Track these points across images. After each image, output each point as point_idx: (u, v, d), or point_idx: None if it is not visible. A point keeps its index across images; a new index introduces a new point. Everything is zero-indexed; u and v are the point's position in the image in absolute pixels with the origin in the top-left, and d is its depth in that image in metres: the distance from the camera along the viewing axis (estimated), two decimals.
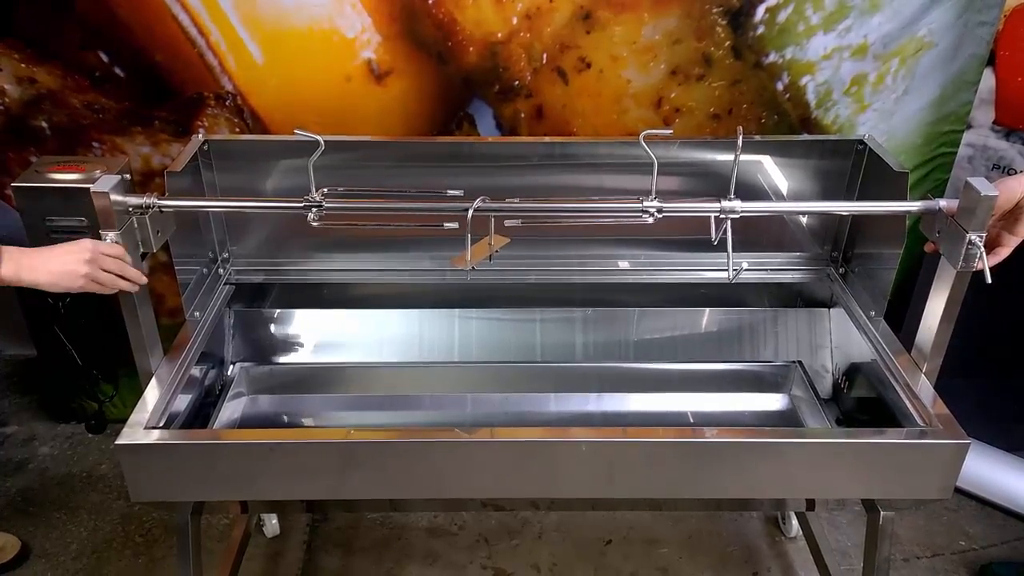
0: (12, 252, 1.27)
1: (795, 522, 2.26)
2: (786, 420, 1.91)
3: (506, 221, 1.55)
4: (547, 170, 1.88)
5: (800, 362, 1.95)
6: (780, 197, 1.89)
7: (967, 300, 1.49)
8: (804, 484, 1.51)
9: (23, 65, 2.06)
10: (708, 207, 1.51)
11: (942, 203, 1.47)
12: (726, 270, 1.51)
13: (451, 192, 1.53)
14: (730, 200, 1.49)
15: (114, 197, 1.37)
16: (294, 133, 1.46)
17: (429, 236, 1.87)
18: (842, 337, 1.91)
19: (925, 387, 1.54)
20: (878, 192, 1.72)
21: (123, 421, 1.41)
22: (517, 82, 2.11)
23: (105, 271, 1.34)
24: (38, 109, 2.12)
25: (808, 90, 2.13)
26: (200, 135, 1.78)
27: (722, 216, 1.50)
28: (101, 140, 2.16)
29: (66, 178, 1.38)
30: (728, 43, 2.06)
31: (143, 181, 2.18)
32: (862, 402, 1.79)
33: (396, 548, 2.25)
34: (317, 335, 2.05)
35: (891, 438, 1.46)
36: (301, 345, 2.04)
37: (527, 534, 2.29)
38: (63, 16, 2.00)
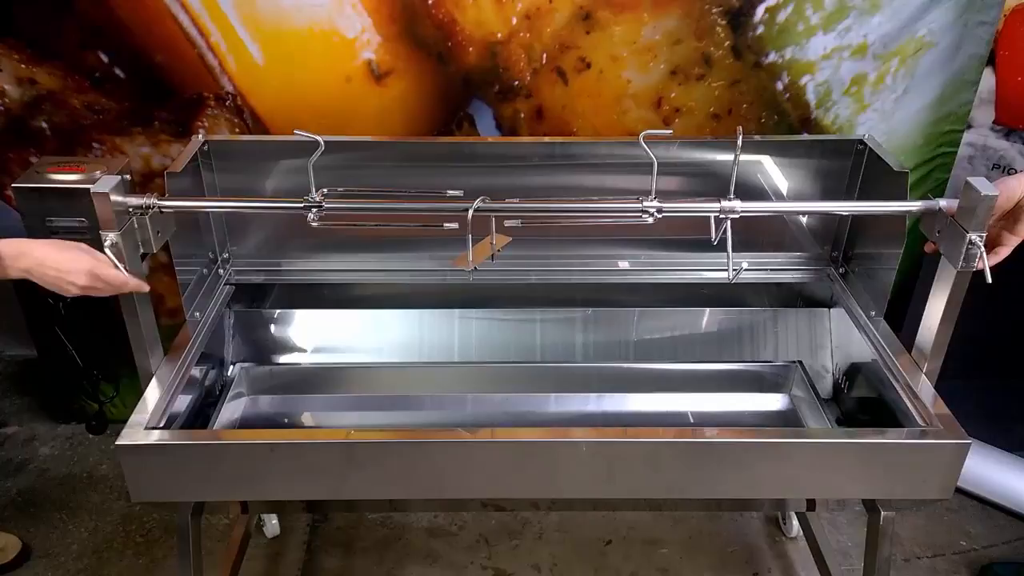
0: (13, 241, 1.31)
1: (795, 522, 2.26)
2: (786, 420, 1.90)
3: (506, 221, 1.55)
4: (547, 170, 1.88)
5: (800, 362, 1.95)
6: (780, 197, 1.89)
7: (967, 300, 1.49)
8: (804, 484, 1.51)
9: (23, 66, 2.06)
10: (708, 207, 1.51)
11: (942, 203, 1.47)
12: (726, 270, 1.51)
13: (451, 192, 1.53)
14: (730, 200, 1.49)
15: (114, 198, 1.37)
16: (294, 133, 1.46)
17: (429, 236, 1.87)
18: (842, 337, 1.91)
19: (925, 387, 1.54)
20: (878, 192, 1.72)
21: (124, 422, 1.41)
22: (517, 82, 2.11)
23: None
24: (38, 110, 2.12)
25: (808, 90, 2.13)
26: (200, 135, 1.78)
27: (722, 216, 1.50)
28: (101, 140, 2.16)
29: (66, 179, 1.38)
30: (728, 43, 2.06)
31: (143, 182, 2.18)
32: (862, 402, 1.79)
33: (396, 548, 2.25)
34: (317, 335, 2.05)
35: (892, 438, 1.45)
36: (301, 345, 2.04)
37: (527, 534, 2.29)
38: (63, 16, 2.00)
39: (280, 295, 2.05)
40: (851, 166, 1.83)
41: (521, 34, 2.04)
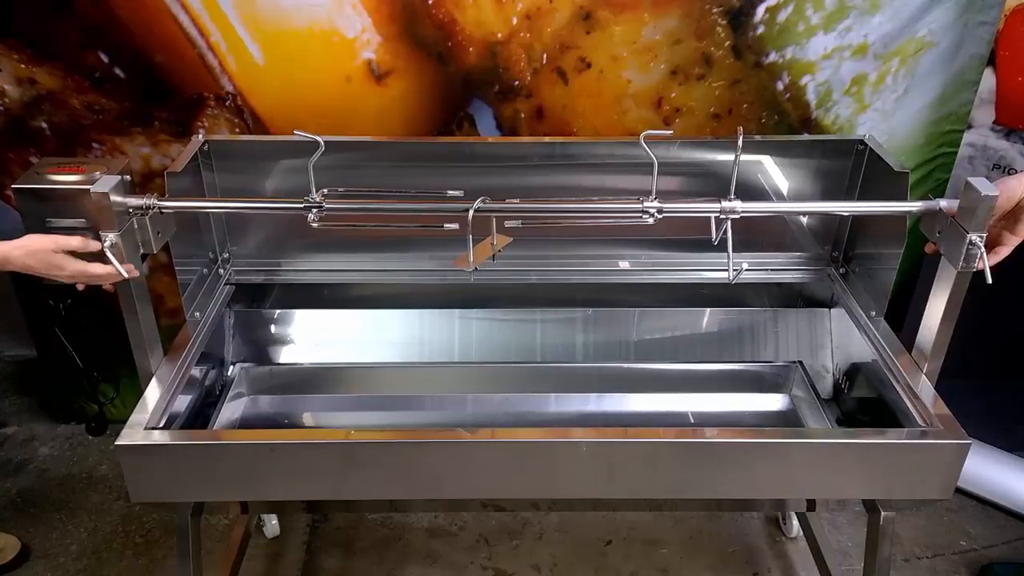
0: None
1: (796, 522, 2.26)
2: (786, 420, 1.90)
3: (506, 222, 1.55)
4: (547, 170, 1.88)
5: (800, 362, 1.95)
6: (780, 197, 1.89)
7: (967, 300, 1.49)
8: (805, 484, 1.51)
9: (23, 66, 2.06)
10: (708, 207, 1.51)
11: (942, 203, 1.47)
12: (726, 270, 1.51)
13: (451, 193, 1.53)
14: (730, 200, 1.49)
15: (114, 198, 1.37)
16: (294, 134, 1.46)
17: (429, 237, 1.87)
18: (843, 337, 1.91)
19: (926, 387, 1.54)
20: (878, 192, 1.72)
21: (123, 422, 1.41)
22: (517, 82, 2.11)
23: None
24: (38, 110, 2.12)
25: (808, 90, 2.13)
26: (200, 135, 1.78)
27: (722, 216, 1.50)
28: (101, 141, 2.16)
29: (66, 179, 1.38)
30: (728, 43, 2.06)
31: (143, 182, 2.19)
32: (863, 402, 1.79)
33: (396, 548, 2.25)
34: (317, 335, 2.05)
35: (892, 438, 1.45)
36: (301, 346, 2.04)
37: (527, 534, 2.29)
38: (63, 16, 2.00)
39: (280, 295, 2.05)
40: (851, 166, 1.83)
41: (521, 34, 2.04)
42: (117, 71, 2.08)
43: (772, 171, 1.86)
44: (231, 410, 1.86)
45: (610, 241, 1.95)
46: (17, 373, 2.93)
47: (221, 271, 1.91)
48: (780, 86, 2.12)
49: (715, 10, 2.01)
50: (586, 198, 1.68)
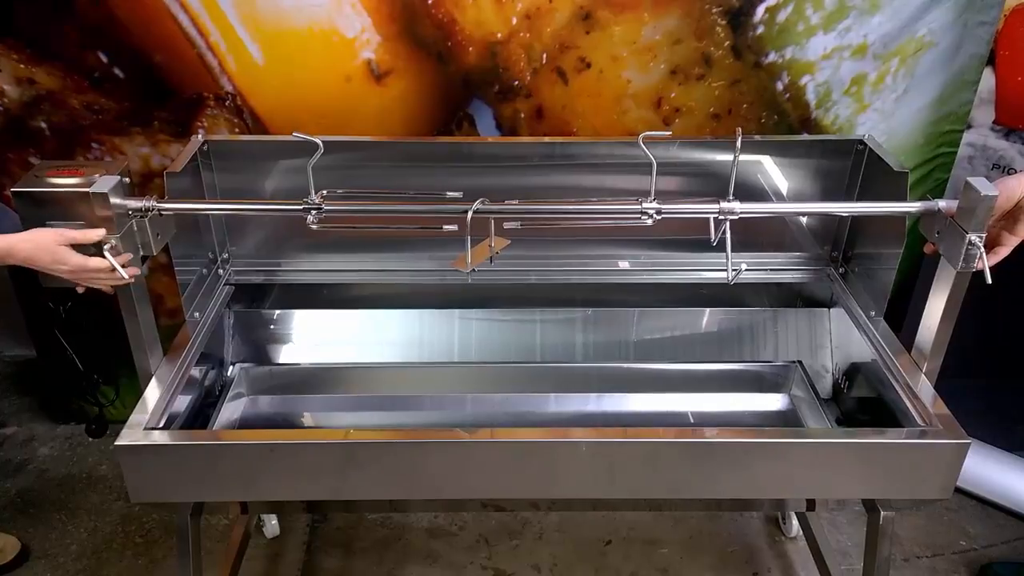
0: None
1: (795, 522, 2.26)
2: (786, 420, 1.90)
3: (505, 223, 1.55)
4: (547, 170, 1.88)
5: (800, 362, 1.95)
6: (780, 197, 1.89)
7: (967, 300, 1.49)
8: (804, 484, 1.51)
9: (22, 66, 2.06)
10: (707, 208, 1.51)
11: (941, 204, 1.48)
12: (726, 270, 1.51)
13: (450, 194, 1.53)
14: (729, 201, 1.49)
15: (113, 200, 1.37)
16: (293, 135, 1.46)
17: (429, 237, 1.87)
18: (842, 337, 1.91)
19: (925, 387, 1.54)
20: (878, 192, 1.72)
21: (123, 422, 1.41)
22: (517, 82, 2.11)
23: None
24: (37, 110, 2.11)
25: (808, 90, 2.13)
26: (200, 136, 1.78)
27: (721, 217, 1.50)
28: (100, 141, 2.15)
29: (66, 182, 1.38)
30: (728, 43, 2.06)
31: (143, 182, 2.18)
32: (862, 402, 1.79)
33: (396, 548, 2.25)
34: (317, 336, 2.05)
35: (891, 438, 1.46)
36: (301, 346, 2.04)
37: (527, 534, 2.29)
38: (62, 17, 2.00)
39: (280, 295, 2.05)
40: (851, 166, 1.83)
41: (521, 34, 2.04)
42: (116, 71, 2.08)
43: (772, 171, 1.86)
44: (231, 410, 1.86)
45: (610, 241, 1.95)
46: (17, 373, 2.93)
47: (221, 271, 1.91)
48: (780, 86, 2.12)
49: (715, 10, 2.01)
50: (585, 199, 1.68)
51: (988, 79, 2.16)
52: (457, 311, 2.04)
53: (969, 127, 2.24)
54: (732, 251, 1.50)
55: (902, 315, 2.10)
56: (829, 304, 1.99)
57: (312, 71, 2.07)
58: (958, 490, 2.38)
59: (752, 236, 1.92)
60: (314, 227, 1.51)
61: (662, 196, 1.51)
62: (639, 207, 1.50)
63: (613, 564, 2.21)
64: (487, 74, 2.10)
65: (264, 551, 2.24)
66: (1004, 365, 2.39)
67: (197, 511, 1.62)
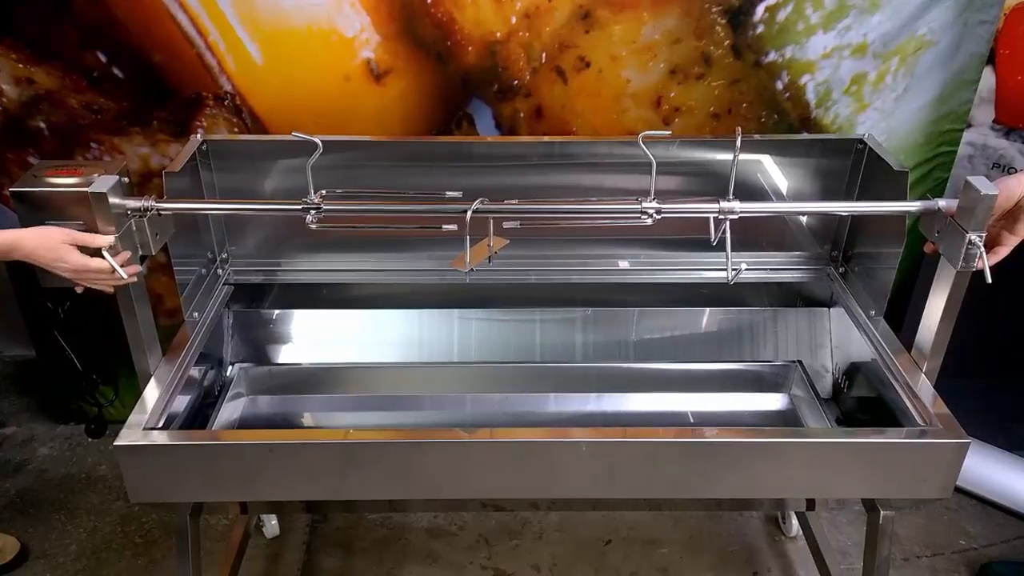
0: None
1: (795, 522, 2.26)
2: (786, 420, 1.90)
3: (504, 223, 1.55)
4: (546, 170, 1.88)
5: (800, 362, 1.95)
6: (780, 196, 1.89)
7: (967, 300, 1.49)
8: (804, 484, 1.51)
9: (21, 65, 2.06)
10: (706, 208, 1.50)
11: (941, 203, 1.47)
12: (726, 270, 1.51)
13: (450, 194, 1.53)
14: (729, 201, 1.49)
15: (112, 200, 1.37)
16: (292, 135, 1.46)
17: (429, 237, 1.87)
18: (842, 337, 1.91)
19: (925, 386, 1.54)
20: (878, 191, 1.72)
21: (122, 422, 1.41)
22: (516, 82, 2.11)
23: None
24: (36, 109, 2.11)
25: (808, 89, 2.13)
26: (199, 135, 1.78)
27: (721, 217, 1.50)
28: (99, 140, 2.15)
29: (64, 182, 1.38)
30: (728, 42, 2.06)
31: (142, 182, 2.18)
32: (862, 402, 1.79)
33: (396, 548, 2.25)
34: (316, 335, 2.05)
35: (891, 438, 1.45)
36: (300, 346, 2.04)
37: (527, 534, 2.29)
38: (61, 16, 1.99)
39: (279, 295, 2.05)
40: (851, 165, 1.83)
41: (520, 33, 2.03)
42: (115, 71, 2.08)
43: (772, 170, 1.86)
44: (230, 410, 1.86)
45: (609, 241, 1.94)
46: (16, 373, 2.93)
47: (220, 271, 1.91)
48: (780, 85, 2.12)
49: (714, 9, 2.01)
50: (585, 198, 1.68)
51: (988, 78, 2.16)
52: (457, 311, 2.04)
53: (969, 126, 2.23)
54: (732, 250, 1.50)
55: (902, 315, 2.10)
56: (829, 304, 1.99)
57: (311, 71, 2.07)
58: (958, 489, 2.38)
59: (752, 235, 1.92)
60: (313, 227, 1.51)
61: (662, 195, 1.51)
62: (639, 207, 1.50)
63: (613, 564, 2.21)
64: (486, 73, 2.10)
65: (264, 551, 2.24)
66: (1004, 365, 2.39)
67: (196, 511, 1.62)
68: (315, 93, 2.10)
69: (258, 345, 2.02)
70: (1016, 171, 1.94)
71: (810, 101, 2.15)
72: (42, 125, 2.13)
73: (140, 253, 1.47)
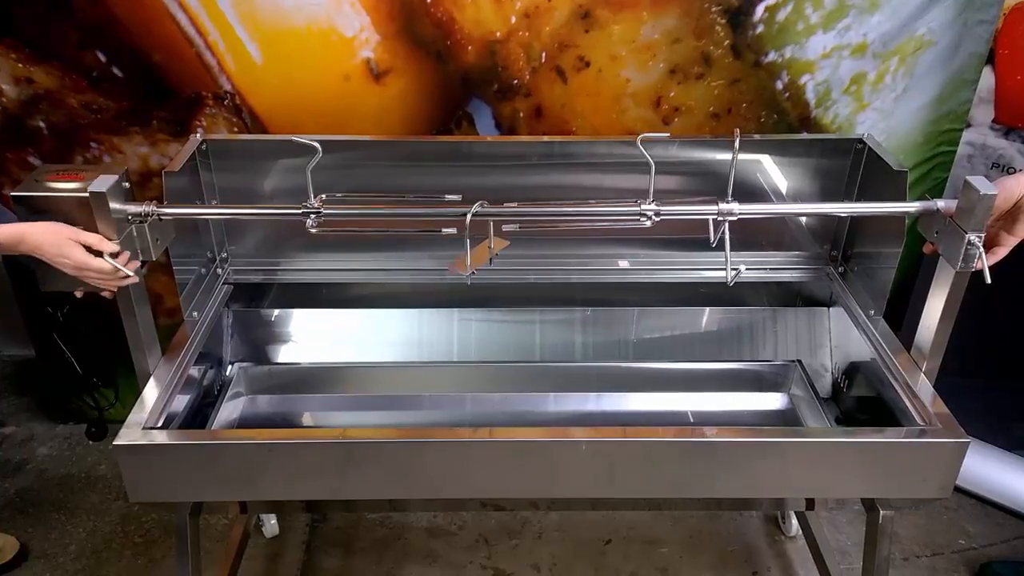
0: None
1: (795, 521, 2.26)
2: (786, 419, 1.90)
3: (504, 225, 1.55)
4: (546, 169, 1.88)
5: (800, 361, 1.95)
6: (779, 196, 1.89)
7: (966, 299, 1.49)
8: (804, 483, 1.51)
9: (20, 65, 2.06)
10: (706, 210, 1.50)
11: (940, 203, 1.47)
12: (725, 269, 1.51)
13: (449, 197, 1.53)
14: (727, 202, 1.49)
15: (113, 205, 1.37)
16: (291, 139, 1.46)
17: (428, 238, 1.87)
18: (841, 336, 1.91)
19: (924, 386, 1.54)
20: (878, 191, 1.72)
21: (122, 422, 1.41)
22: (516, 81, 2.11)
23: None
24: (36, 109, 2.11)
25: (807, 89, 2.13)
26: (198, 135, 1.78)
27: (720, 219, 1.50)
28: (99, 140, 2.15)
29: (65, 187, 1.38)
30: (727, 42, 2.06)
31: (141, 181, 2.18)
32: (862, 401, 1.79)
33: (396, 548, 2.25)
34: (316, 335, 2.05)
35: (891, 437, 1.46)
36: (300, 345, 2.04)
37: (527, 534, 2.29)
38: (61, 16, 1.99)
39: (278, 295, 2.05)
40: (850, 165, 1.83)
41: (520, 33, 2.03)
42: (115, 70, 2.08)
43: (771, 170, 1.86)
44: (229, 410, 1.86)
45: (609, 241, 1.94)
46: (16, 373, 2.92)
47: (219, 271, 1.91)
48: (779, 85, 2.12)
49: (714, 9, 2.01)
50: (584, 200, 1.68)
51: (987, 78, 2.16)
52: (457, 311, 2.04)
53: (968, 126, 2.24)
54: (731, 250, 1.50)
55: (901, 314, 2.10)
56: (828, 303, 1.99)
57: (311, 70, 2.07)
58: (957, 489, 2.38)
59: (751, 235, 1.92)
60: (313, 231, 1.51)
61: (661, 195, 1.51)
62: (638, 209, 1.50)
63: (613, 564, 2.21)
64: (486, 73, 2.10)
65: (263, 551, 2.24)
66: (1003, 365, 2.39)
67: (196, 511, 1.62)
68: (315, 93, 2.10)
69: (257, 345, 2.02)
70: (1015, 171, 1.95)
71: (810, 101, 2.15)
72: (42, 125, 2.13)
73: (140, 258, 1.47)
